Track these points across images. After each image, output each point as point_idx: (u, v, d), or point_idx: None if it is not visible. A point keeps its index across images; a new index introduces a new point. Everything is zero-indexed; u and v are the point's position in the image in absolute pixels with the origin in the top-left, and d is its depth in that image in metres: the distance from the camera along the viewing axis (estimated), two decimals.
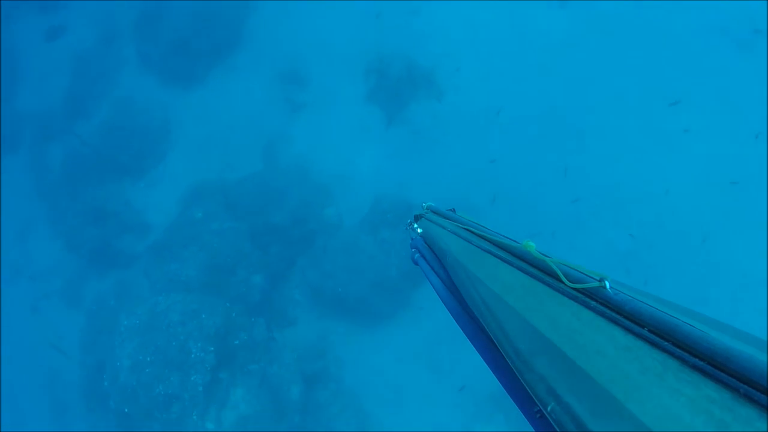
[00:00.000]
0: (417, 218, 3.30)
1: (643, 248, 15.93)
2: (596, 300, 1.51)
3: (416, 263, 3.13)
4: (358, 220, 17.05)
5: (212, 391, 14.53)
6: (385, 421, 15.80)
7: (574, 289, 1.58)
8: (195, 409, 14.33)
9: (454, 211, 3.06)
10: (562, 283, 1.64)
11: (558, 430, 1.32)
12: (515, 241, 2.10)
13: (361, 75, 19.36)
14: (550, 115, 17.39)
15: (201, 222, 17.15)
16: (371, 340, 16.34)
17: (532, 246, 1.88)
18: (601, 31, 18.02)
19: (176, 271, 16.33)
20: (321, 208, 17.49)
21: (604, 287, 1.50)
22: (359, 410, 15.97)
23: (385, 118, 18.76)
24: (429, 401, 15.73)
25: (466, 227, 2.53)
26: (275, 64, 19.98)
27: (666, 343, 1.25)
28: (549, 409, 1.37)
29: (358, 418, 15.75)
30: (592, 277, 1.56)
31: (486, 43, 18.68)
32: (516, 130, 17.60)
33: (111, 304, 17.68)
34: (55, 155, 20.87)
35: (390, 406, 15.93)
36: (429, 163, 17.93)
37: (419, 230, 3.25)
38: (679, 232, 15.79)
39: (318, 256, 16.51)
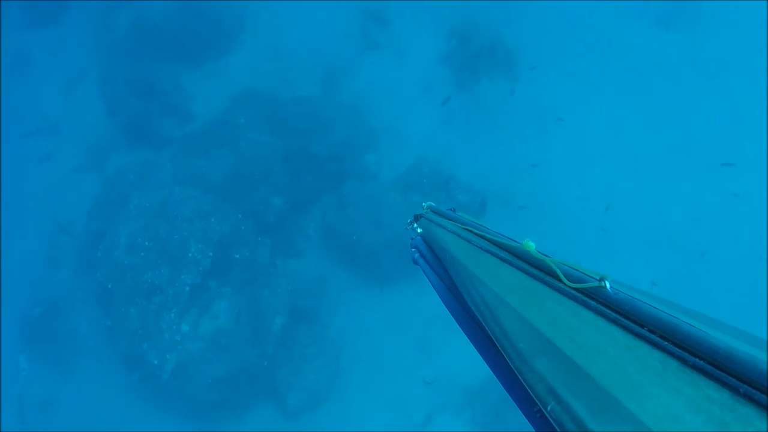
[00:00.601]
0: (417, 218, 3.24)
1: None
2: (596, 300, 1.51)
3: (416, 263, 3.13)
4: (393, 175, 16.74)
5: (198, 295, 14.51)
6: (353, 381, 15.85)
7: (574, 288, 1.58)
8: (175, 307, 14.28)
9: (454, 210, 3.04)
10: (562, 282, 1.63)
11: (558, 429, 1.32)
12: (515, 240, 2.09)
13: (444, 34, 18.71)
14: (610, 138, 16.44)
15: (241, 128, 16.91)
16: (368, 297, 16.09)
17: (532, 246, 1.87)
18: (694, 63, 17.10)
19: (202, 167, 16.16)
20: (362, 151, 17.12)
21: (604, 287, 1.49)
22: (334, 361, 15.94)
23: (454, 85, 18.07)
24: (403, 376, 15.64)
25: (466, 227, 2.53)
26: None
27: (666, 342, 1.25)
28: (549, 408, 1.37)
29: (330, 368, 15.77)
30: (592, 277, 1.56)
31: (572, 45, 17.79)
32: (573, 144, 16.59)
33: (130, 178, 17.43)
34: (122, 19, 20.38)
35: (364, 367, 15.90)
36: (481, 142, 17.23)
37: (419, 230, 3.20)
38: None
39: (344, 198, 16.12)
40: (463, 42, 18.26)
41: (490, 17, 18.32)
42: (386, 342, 16.13)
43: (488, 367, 1.99)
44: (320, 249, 16.95)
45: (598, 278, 1.53)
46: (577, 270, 1.64)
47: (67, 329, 17.78)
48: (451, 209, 3.07)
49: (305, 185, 16.52)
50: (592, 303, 1.51)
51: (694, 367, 1.16)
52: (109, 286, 14.88)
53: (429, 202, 3.28)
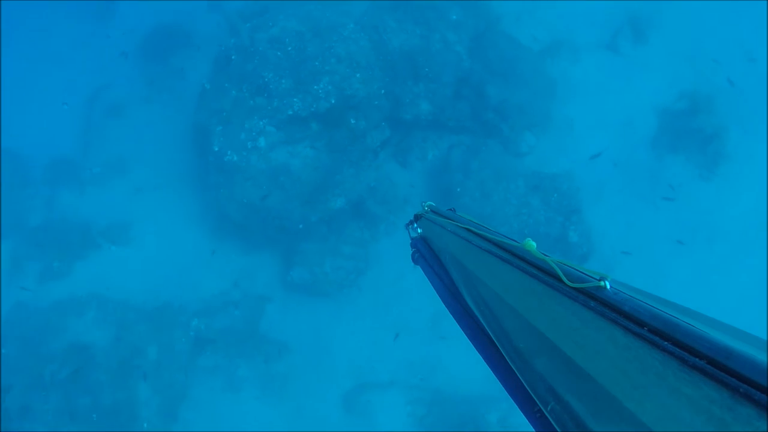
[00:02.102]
0: (417, 218, 3.27)
1: None
2: (596, 300, 1.49)
3: (416, 263, 3.16)
4: (533, 168, 16.19)
5: (293, 126, 14.84)
6: (360, 302, 15.78)
7: (574, 288, 1.57)
8: (268, 120, 14.89)
9: (454, 210, 3.05)
10: (562, 282, 1.63)
11: (558, 429, 1.35)
12: (515, 240, 2.09)
13: (677, 90, 17.07)
14: None
15: (453, 24, 16.30)
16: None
17: (532, 245, 1.89)
18: None
19: (390, 29, 16.10)
20: (526, 126, 15.75)
21: (604, 287, 1.49)
22: (357, 274, 15.95)
23: (649, 142, 16.60)
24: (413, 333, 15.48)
25: (466, 227, 2.53)
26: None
27: (666, 343, 1.24)
28: (549, 408, 1.40)
29: (348, 277, 15.80)
30: (592, 277, 1.55)
31: None
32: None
33: None
34: None
35: (379, 298, 15.95)
36: (630, 204, 15.93)
37: (419, 230, 3.23)
38: None
39: (478, 150, 15.06)
40: (690, 112, 16.44)
41: (731, 106, 16.31)
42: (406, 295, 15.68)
43: (488, 367, 1.97)
44: (424, 175, 16.41)
45: (598, 278, 1.52)
46: (577, 270, 1.64)
47: (175, 65, 17.56)
48: (450, 209, 3.08)
49: (457, 112, 15.45)
50: (592, 303, 1.49)
51: (694, 367, 1.14)
52: (233, 58, 14.32)
53: (429, 202, 3.26)
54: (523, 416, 1.65)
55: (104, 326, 14.87)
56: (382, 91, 15.04)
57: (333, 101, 14.30)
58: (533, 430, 1.58)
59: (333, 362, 15.40)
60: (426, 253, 3.00)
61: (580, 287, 1.55)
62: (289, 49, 14.55)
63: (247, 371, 15.22)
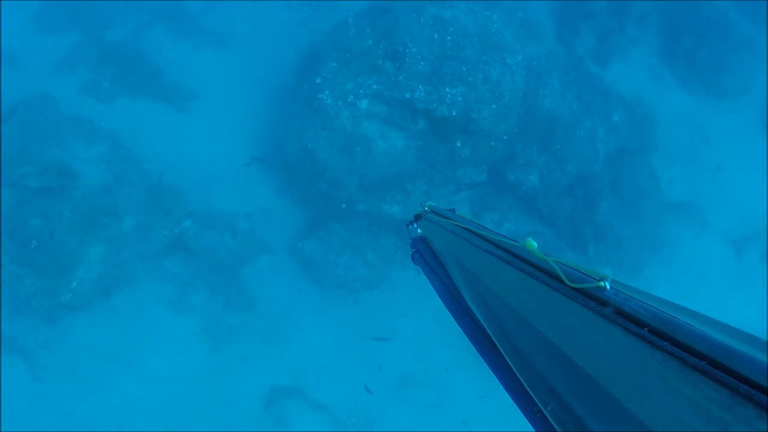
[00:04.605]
0: (417, 218, 3.30)
1: None
2: (596, 300, 1.49)
3: (416, 263, 3.17)
4: None
5: (401, 109, 12.82)
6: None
7: (574, 288, 1.56)
8: (377, 87, 13.82)
9: (453, 211, 3.08)
10: (563, 282, 1.62)
11: (558, 430, 1.37)
12: (515, 241, 2.10)
13: None
14: None
15: None
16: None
17: (533, 245, 1.89)
18: None
19: None
20: None
21: (604, 287, 1.48)
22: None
23: None
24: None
25: (465, 227, 2.54)
26: None
27: (666, 343, 1.22)
28: (549, 408, 1.41)
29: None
30: (592, 277, 1.55)
31: None
32: None
33: None
34: None
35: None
36: None
37: (419, 230, 3.25)
38: None
39: None
40: None
41: None
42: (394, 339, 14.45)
43: (488, 367, 1.94)
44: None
45: (598, 278, 1.51)
46: (577, 270, 1.64)
47: None
48: (450, 209, 3.12)
49: (557, 205, 14.65)
50: (592, 303, 1.48)
51: (694, 368, 1.12)
52: (394, 10, 13.17)
53: (429, 202, 3.29)
54: (523, 417, 1.65)
55: (103, 168, 14.00)
56: (505, 137, 14.43)
57: (454, 113, 13.64)
58: (533, 430, 1.57)
59: (284, 350, 14.46)
60: (426, 253, 3.05)
61: (580, 287, 1.54)
62: (448, 38, 13.87)
63: (201, 302, 14.23)
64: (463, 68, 13.57)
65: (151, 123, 15.60)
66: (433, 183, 14.25)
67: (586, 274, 1.57)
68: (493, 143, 14.11)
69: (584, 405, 1.27)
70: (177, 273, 14.40)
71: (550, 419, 1.38)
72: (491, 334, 1.91)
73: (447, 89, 13.41)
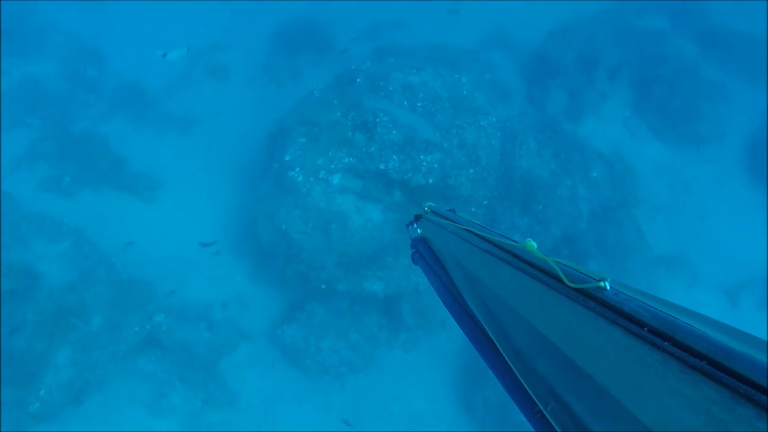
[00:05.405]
0: (417, 218, 3.29)
1: None
2: (596, 300, 1.49)
3: (416, 263, 3.18)
4: None
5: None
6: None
7: (574, 289, 1.57)
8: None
9: (453, 211, 3.07)
10: (563, 283, 1.62)
11: (558, 430, 1.38)
12: (515, 241, 2.10)
13: None
14: None
15: None
16: None
17: (533, 245, 1.89)
18: None
19: None
20: None
21: (604, 287, 1.49)
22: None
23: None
24: None
25: (466, 228, 2.55)
26: None
27: (666, 343, 1.23)
28: (549, 409, 1.42)
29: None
30: (592, 278, 1.56)
31: None
32: None
33: None
34: None
35: None
36: None
37: (419, 230, 3.25)
38: None
39: None
40: None
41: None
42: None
43: (488, 367, 1.95)
44: None
45: (597, 278, 1.52)
46: (577, 270, 1.65)
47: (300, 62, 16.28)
48: (450, 210, 3.12)
49: None
50: (592, 303, 1.49)
51: (694, 368, 1.12)
52: (358, 81, 13.19)
53: (429, 203, 3.27)
54: (524, 417, 1.66)
55: (67, 266, 13.41)
56: (485, 202, 14.30)
57: (431, 181, 13.40)
58: (533, 430, 1.56)
59: None
60: (426, 254, 3.04)
61: (580, 288, 1.55)
62: (419, 104, 13.53)
63: (180, 401, 13.32)
64: (437, 134, 13.48)
65: (116, 215, 15.34)
66: None
67: (586, 275, 1.58)
68: (473, 209, 13.97)
69: (584, 405, 1.29)
70: (152, 372, 13.82)
71: (550, 419, 1.40)
72: (491, 335, 1.94)
73: (422, 157, 13.21)
